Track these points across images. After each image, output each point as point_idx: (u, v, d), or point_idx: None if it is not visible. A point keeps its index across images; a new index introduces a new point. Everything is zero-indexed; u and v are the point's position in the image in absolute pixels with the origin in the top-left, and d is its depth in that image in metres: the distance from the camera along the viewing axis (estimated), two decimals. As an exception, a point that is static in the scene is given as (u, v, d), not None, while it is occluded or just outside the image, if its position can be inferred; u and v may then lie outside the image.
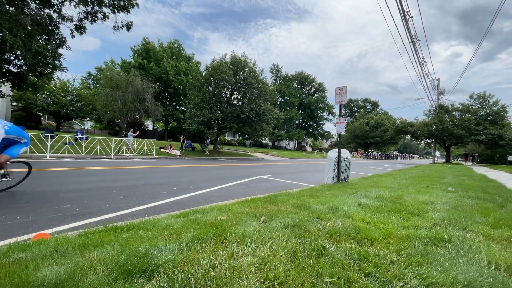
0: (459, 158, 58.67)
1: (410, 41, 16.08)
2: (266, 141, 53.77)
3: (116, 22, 14.57)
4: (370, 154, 48.58)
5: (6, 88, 18.48)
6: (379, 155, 50.55)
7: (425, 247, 2.28)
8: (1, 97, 16.15)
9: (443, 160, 42.53)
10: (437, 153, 46.88)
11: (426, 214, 3.54)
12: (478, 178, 9.86)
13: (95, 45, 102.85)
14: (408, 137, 43.07)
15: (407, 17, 13.02)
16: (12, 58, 13.55)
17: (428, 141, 36.67)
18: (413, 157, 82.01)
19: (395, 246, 2.25)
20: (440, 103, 32.24)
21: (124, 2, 14.14)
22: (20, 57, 13.13)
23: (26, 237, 2.50)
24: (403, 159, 59.41)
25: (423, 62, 21.09)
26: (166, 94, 36.75)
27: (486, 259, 2.05)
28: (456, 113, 31.73)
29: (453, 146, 36.54)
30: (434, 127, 30.74)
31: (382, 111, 67.15)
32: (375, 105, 69.48)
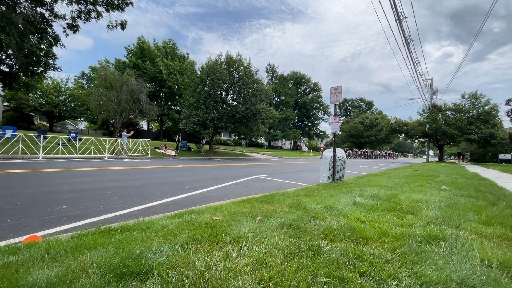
0: (452, 157, 59.43)
1: (404, 41, 16.23)
2: (262, 140, 53.82)
3: (110, 21, 14.43)
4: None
5: (-3, 88, 18.12)
6: (353, 154, 44.87)
7: (419, 245, 2.30)
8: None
9: (437, 159, 43.08)
10: (431, 152, 47.41)
11: (420, 212, 3.58)
12: (470, 177, 10.01)
13: (87, 44, 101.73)
14: (403, 136, 43.52)
15: (401, 17, 13.15)
16: (3, 57, 13.29)
17: (422, 140, 37.13)
18: (406, 156, 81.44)
19: (390, 245, 2.26)
20: (434, 103, 32.69)
21: (118, 0, 13.99)
22: (12, 56, 12.89)
23: (16, 240, 2.45)
24: (387, 158, 48.68)
25: (416, 62, 21.34)
26: (161, 94, 36.53)
27: (479, 256, 2.08)
28: (449, 113, 32.20)
29: (446, 145, 37.05)
30: (427, 126, 31.15)
31: (377, 111, 67.77)
32: (369, 104, 70.08)
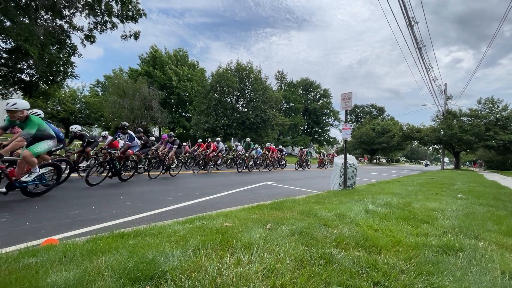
0: (467, 164, 57.29)
1: (416, 46, 16.04)
2: (271, 147, 53.67)
3: (124, 32, 14.97)
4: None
5: (18, 96, 19.00)
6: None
7: (436, 255, 2.23)
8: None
9: (452, 166, 41.73)
10: (446, 159, 45.97)
11: (435, 221, 3.47)
12: (489, 185, 9.63)
13: (99, 53, 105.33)
14: (416, 143, 42.52)
15: (413, 22, 13.03)
16: (24, 67, 13.97)
17: (436, 147, 36.14)
18: (420, 163, 77.54)
19: (404, 254, 2.21)
20: (448, 108, 31.87)
21: (132, 12, 14.54)
22: (33, 66, 13.54)
23: (35, 242, 2.53)
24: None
25: (429, 67, 20.98)
26: (172, 101, 37.20)
27: (500, 268, 2.00)
28: (464, 119, 31.28)
29: (462, 152, 35.88)
30: (442, 132, 30.31)
31: (389, 117, 66.60)
32: (381, 110, 68.95)
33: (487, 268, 2.01)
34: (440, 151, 35.37)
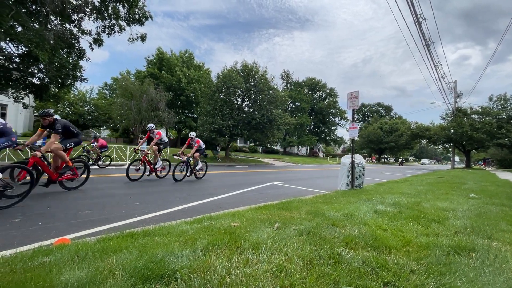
0: (480, 163, 55.93)
1: (424, 43, 15.77)
2: (277, 147, 53.56)
3: (131, 34, 15.17)
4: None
5: (29, 99, 19.47)
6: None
7: (447, 256, 2.19)
8: (25, 108, 17.04)
9: (463, 165, 40.84)
10: (456, 158, 44.97)
11: (446, 221, 3.40)
12: (502, 184, 9.40)
13: (104, 57, 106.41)
14: (425, 141, 41.82)
15: (420, 19, 12.81)
16: (35, 71, 14.31)
17: (446, 145, 35.42)
18: (430, 162, 75.59)
19: (414, 254, 2.18)
20: (458, 106, 31.19)
21: (138, 15, 14.72)
22: (43, 70, 13.85)
23: (48, 242, 2.59)
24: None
25: (438, 64, 20.59)
26: (179, 102, 37.52)
27: (515, 269, 1.95)
28: (475, 116, 30.55)
29: (474, 150, 35.05)
30: (452, 131, 29.68)
31: (396, 116, 65.68)
32: (388, 109, 68.08)
33: (501, 268, 1.96)
34: (450, 150, 34.66)
